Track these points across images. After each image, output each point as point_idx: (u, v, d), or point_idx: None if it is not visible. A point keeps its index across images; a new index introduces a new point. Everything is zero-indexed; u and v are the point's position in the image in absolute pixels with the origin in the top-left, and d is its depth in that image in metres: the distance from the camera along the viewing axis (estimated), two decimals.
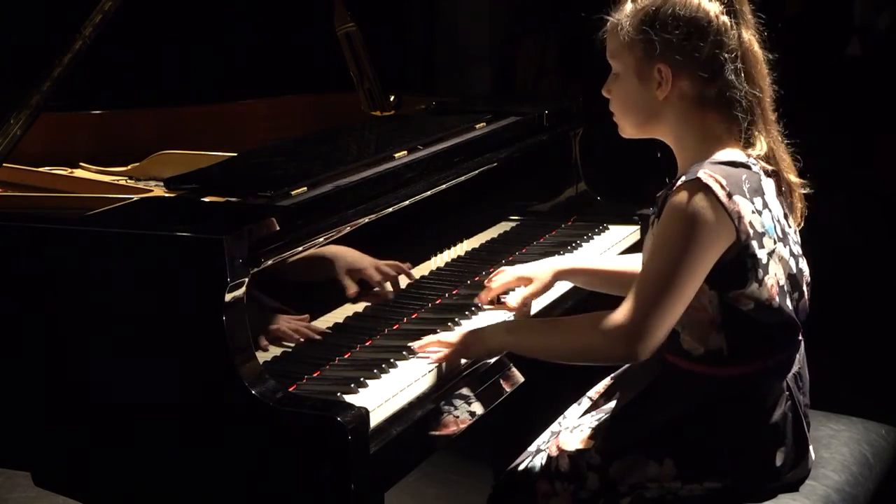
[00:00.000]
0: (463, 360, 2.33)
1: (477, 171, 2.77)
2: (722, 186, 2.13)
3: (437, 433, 2.24)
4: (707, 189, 2.13)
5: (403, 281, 2.54)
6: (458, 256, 2.80)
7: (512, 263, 2.71)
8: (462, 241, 2.83)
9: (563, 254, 2.90)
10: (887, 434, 2.60)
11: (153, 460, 2.13)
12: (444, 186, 2.65)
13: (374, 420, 2.07)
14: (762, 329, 2.20)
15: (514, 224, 3.04)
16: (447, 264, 2.75)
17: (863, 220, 5.56)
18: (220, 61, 4.27)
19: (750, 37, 2.22)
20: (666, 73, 2.20)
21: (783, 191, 2.27)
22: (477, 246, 2.88)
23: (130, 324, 2.11)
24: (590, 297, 2.68)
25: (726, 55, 2.19)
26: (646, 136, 2.31)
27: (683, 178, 2.17)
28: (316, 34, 3.34)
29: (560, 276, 2.57)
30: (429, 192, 2.59)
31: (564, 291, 2.71)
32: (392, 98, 3.13)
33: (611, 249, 3.00)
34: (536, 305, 2.60)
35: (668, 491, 2.24)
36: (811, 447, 2.35)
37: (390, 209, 2.46)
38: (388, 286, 2.50)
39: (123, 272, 2.12)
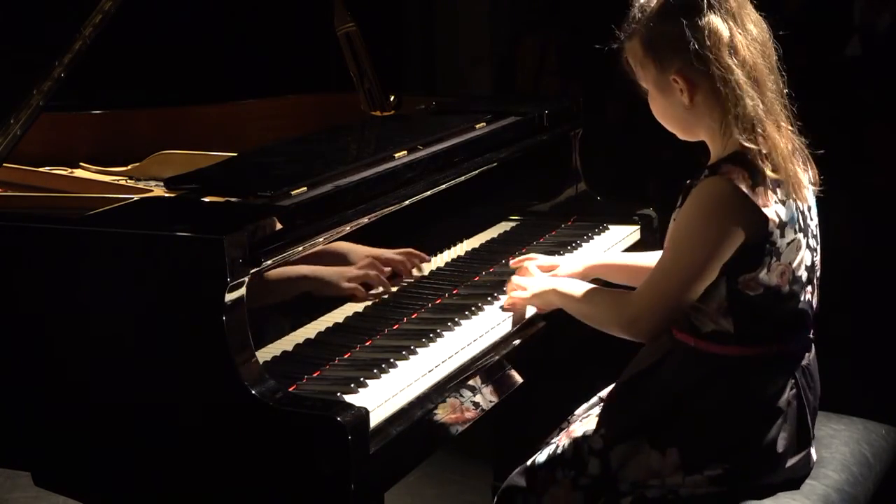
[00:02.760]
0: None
1: (477, 171, 2.77)
2: (745, 178, 2.18)
3: (437, 433, 2.24)
4: (731, 183, 2.18)
5: (417, 270, 2.60)
6: (458, 256, 2.80)
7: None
8: (462, 241, 2.83)
9: (564, 254, 2.90)
10: (887, 434, 2.61)
11: (153, 460, 2.13)
12: (444, 186, 2.65)
13: (374, 420, 2.07)
14: (770, 316, 2.25)
15: (514, 224, 3.04)
16: (447, 264, 2.75)
17: (863, 220, 5.55)
18: (220, 61, 4.27)
19: (716, 22, 2.21)
20: (681, 82, 2.25)
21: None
22: (477, 246, 2.88)
23: (130, 324, 2.11)
24: None
25: (721, 46, 2.20)
26: (693, 139, 2.34)
27: (707, 172, 2.23)
28: (316, 34, 3.34)
29: (590, 272, 2.65)
30: (429, 192, 2.59)
31: None
32: (392, 98, 3.13)
33: (611, 249, 3.00)
34: None
35: (670, 490, 2.25)
36: (813, 446, 2.36)
37: (390, 209, 2.46)
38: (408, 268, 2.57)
39: (123, 272, 2.12)
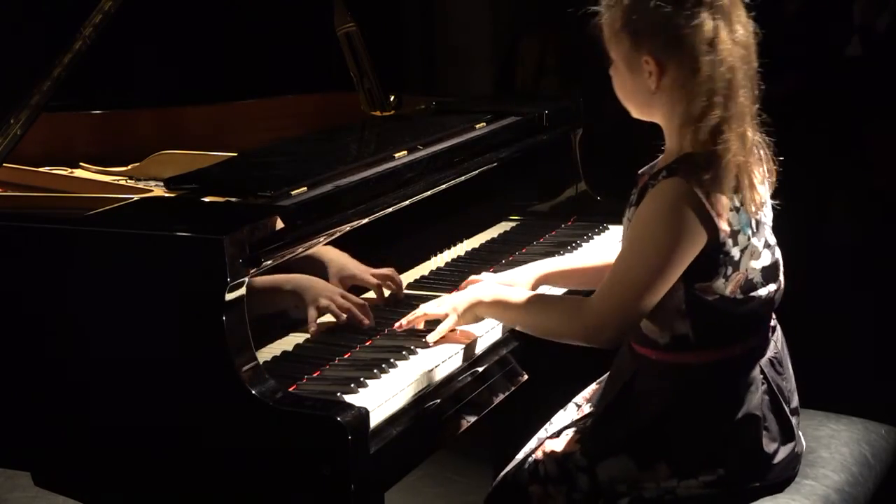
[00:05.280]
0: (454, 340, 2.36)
1: (477, 171, 2.77)
2: (702, 184, 2.14)
3: (437, 433, 2.24)
4: (687, 186, 2.13)
5: (388, 291, 2.53)
6: (458, 256, 2.80)
7: (512, 263, 2.71)
8: (462, 241, 2.83)
9: (563, 254, 2.90)
10: (887, 434, 2.60)
11: (153, 460, 2.13)
12: (444, 186, 2.65)
13: (374, 420, 2.07)
14: (727, 318, 2.21)
15: (514, 224, 3.04)
16: (447, 264, 2.75)
17: (863, 220, 5.55)
18: (220, 61, 4.27)
19: (717, 22, 2.16)
20: (652, 65, 2.19)
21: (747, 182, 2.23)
22: (477, 246, 2.88)
23: (130, 324, 2.11)
24: None
25: (703, 41, 2.15)
26: (647, 119, 2.29)
27: (665, 173, 2.18)
28: (316, 34, 3.34)
29: (542, 280, 2.56)
30: (429, 192, 2.59)
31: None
32: (392, 98, 3.13)
33: (611, 250, 2.99)
34: None
35: (667, 490, 2.25)
36: (801, 437, 2.35)
37: (390, 209, 2.46)
38: (383, 291, 2.52)
39: (124, 272, 2.12)
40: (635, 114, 2.30)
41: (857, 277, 5.13)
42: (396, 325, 2.39)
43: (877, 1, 5.79)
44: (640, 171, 2.27)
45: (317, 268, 2.37)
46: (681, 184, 2.14)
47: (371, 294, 2.48)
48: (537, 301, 2.34)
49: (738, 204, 2.18)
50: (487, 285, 2.44)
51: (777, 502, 2.28)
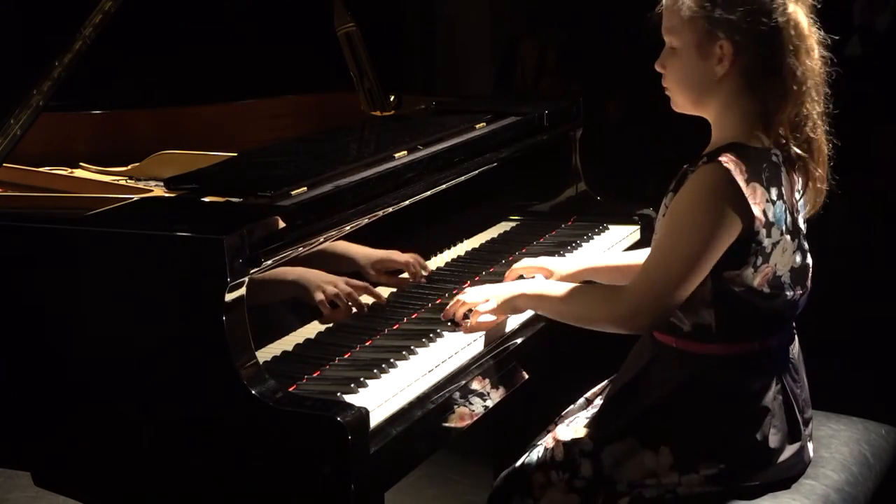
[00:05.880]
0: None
1: (477, 171, 2.77)
2: (741, 171, 2.16)
3: (437, 433, 2.24)
4: (727, 173, 2.15)
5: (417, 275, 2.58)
6: (458, 256, 2.80)
7: (512, 263, 2.71)
8: (462, 241, 2.83)
9: (563, 254, 2.90)
10: (887, 434, 2.61)
11: (153, 460, 2.13)
12: (444, 186, 2.65)
13: (374, 420, 2.07)
14: (751, 311, 2.23)
15: (514, 224, 3.04)
16: (447, 264, 2.75)
17: (863, 220, 5.55)
18: (220, 61, 4.27)
19: (801, 16, 2.20)
20: (727, 50, 2.20)
21: (806, 182, 2.28)
22: (477, 246, 2.88)
23: (130, 324, 2.11)
24: None
25: (784, 34, 2.18)
26: (697, 112, 2.30)
27: (705, 160, 2.20)
28: (316, 34, 3.34)
29: (585, 273, 2.60)
30: (429, 192, 2.59)
31: None
32: (392, 98, 3.13)
33: (611, 249, 3.00)
34: None
35: (667, 489, 2.25)
36: (809, 444, 2.36)
37: (390, 209, 2.46)
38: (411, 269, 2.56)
39: (123, 272, 2.12)
40: (683, 105, 2.30)
41: (857, 277, 5.13)
42: (443, 314, 2.44)
43: (877, 1, 5.79)
44: (684, 165, 2.27)
45: (341, 260, 2.39)
46: (720, 168, 2.16)
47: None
48: (575, 291, 2.37)
49: (774, 197, 2.20)
50: (528, 280, 2.49)
51: (777, 501, 2.28)
